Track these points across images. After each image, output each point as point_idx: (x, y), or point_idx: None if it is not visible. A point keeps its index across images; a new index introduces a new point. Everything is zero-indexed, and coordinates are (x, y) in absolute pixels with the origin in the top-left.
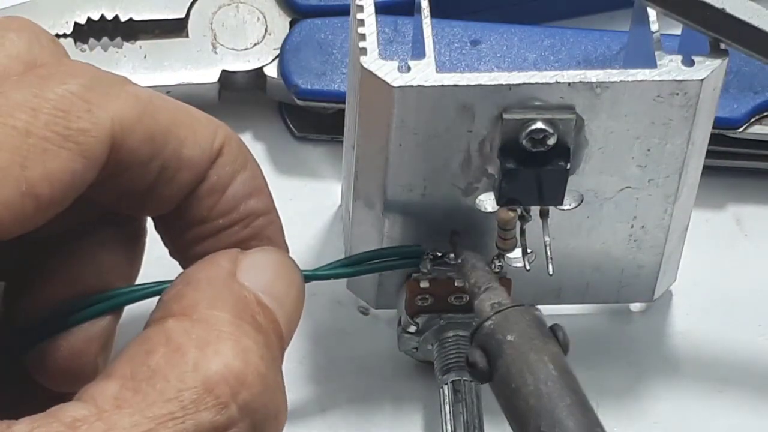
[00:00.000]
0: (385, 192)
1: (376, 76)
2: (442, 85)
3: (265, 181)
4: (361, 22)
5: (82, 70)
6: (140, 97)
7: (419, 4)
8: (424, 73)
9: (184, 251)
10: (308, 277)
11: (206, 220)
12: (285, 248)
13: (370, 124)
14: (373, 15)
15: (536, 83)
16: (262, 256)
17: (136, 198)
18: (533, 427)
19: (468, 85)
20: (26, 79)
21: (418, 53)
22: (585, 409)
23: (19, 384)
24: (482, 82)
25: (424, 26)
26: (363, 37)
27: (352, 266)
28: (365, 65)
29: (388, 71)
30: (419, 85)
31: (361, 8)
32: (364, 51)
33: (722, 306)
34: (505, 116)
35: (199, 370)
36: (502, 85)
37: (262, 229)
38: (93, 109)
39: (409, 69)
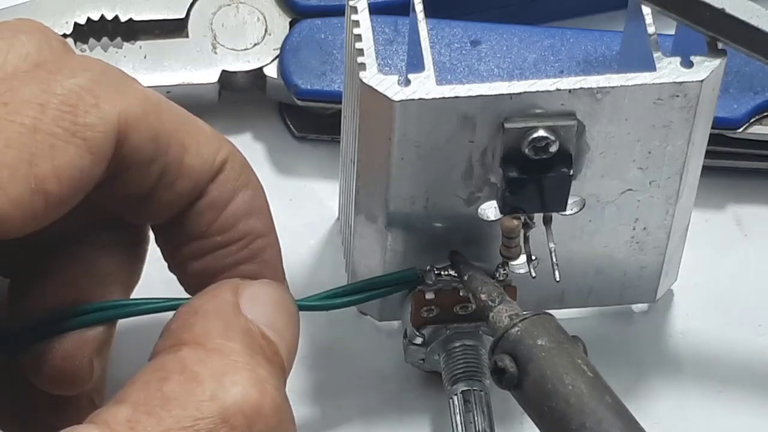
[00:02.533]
0: (387, 205)
1: (376, 91)
2: (443, 98)
3: (267, 203)
4: (358, 37)
5: (90, 63)
6: (148, 96)
7: (413, 5)
8: (425, 86)
9: (181, 266)
10: (303, 307)
11: (205, 235)
12: (282, 274)
13: (371, 138)
14: (370, 29)
15: (537, 91)
16: (262, 290)
17: (136, 202)
18: (576, 425)
19: (468, 96)
20: (34, 74)
21: (416, 62)
22: (624, 408)
23: (16, 386)
24: (483, 93)
25: (422, 38)
26: (361, 52)
27: (347, 296)
28: (365, 80)
29: (388, 86)
30: (420, 99)
31: (357, 23)
32: (363, 66)
33: (722, 306)
34: (507, 125)
35: (216, 400)
36: (502, 94)
37: (260, 251)
38: (100, 103)
39: (409, 82)
